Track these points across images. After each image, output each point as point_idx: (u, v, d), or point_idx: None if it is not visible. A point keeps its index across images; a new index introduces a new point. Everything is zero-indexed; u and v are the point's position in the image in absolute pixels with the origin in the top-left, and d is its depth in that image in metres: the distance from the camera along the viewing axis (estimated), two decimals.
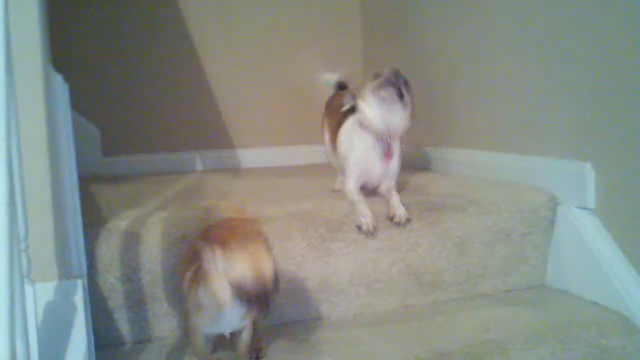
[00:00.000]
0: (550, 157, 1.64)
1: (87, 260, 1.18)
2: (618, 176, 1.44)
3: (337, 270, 1.41)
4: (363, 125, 1.55)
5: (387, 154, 1.55)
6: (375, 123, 1.52)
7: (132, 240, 1.27)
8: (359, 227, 1.43)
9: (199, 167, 2.58)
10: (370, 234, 1.43)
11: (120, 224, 1.29)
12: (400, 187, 1.63)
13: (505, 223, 1.56)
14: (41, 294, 1.07)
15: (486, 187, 1.72)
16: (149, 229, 1.29)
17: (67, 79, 1.19)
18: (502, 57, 1.84)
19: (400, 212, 1.48)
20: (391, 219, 1.47)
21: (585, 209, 1.51)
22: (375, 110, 1.51)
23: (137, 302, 1.26)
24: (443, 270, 1.51)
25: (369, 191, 1.60)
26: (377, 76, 1.52)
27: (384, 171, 1.57)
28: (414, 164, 2.36)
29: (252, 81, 2.66)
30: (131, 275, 1.26)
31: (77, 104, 1.25)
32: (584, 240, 1.50)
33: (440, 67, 2.20)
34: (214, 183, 2.18)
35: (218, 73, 2.62)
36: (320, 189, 1.69)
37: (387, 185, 1.58)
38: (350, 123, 1.61)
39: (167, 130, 2.56)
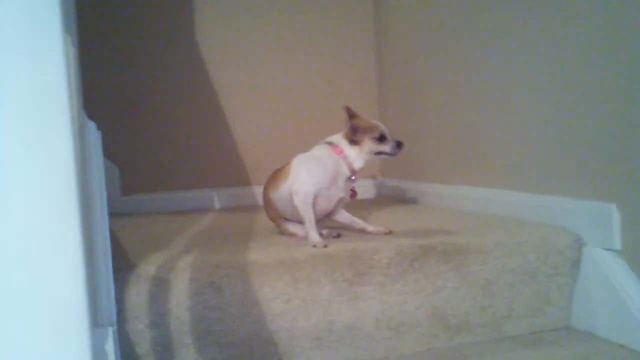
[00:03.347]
0: (575, 197, 1.64)
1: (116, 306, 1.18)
2: None
3: (364, 313, 1.41)
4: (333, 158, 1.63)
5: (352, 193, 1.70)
6: (355, 164, 1.63)
7: (160, 286, 1.26)
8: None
9: (217, 204, 2.60)
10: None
11: (148, 269, 1.29)
12: (423, 226, 1.62)
13: (530, 264, 1.55)
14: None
15: (511, 228, 1.71)
16: (177, 274, 1.29)
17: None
18: (524, 94, 1.86)
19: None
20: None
21: (611, 250, 1.51)
22: (362, 155, 1.63)
23: (164, 349, 1.26)
24: (468, 312, 1.50)
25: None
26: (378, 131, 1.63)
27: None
28: (435, 201, 2.36)
29: (270, 120, 2.70)
30: (159, 321, 1.25)
31: None
32: (610, 281, 1.48)
33: (461, 103, 2.21)
34: (235, 222, 2.18)
35: (237, 112, 2.65)
36: (338, 230, 1.69)
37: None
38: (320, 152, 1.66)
39: (185, 168, 2.58)
